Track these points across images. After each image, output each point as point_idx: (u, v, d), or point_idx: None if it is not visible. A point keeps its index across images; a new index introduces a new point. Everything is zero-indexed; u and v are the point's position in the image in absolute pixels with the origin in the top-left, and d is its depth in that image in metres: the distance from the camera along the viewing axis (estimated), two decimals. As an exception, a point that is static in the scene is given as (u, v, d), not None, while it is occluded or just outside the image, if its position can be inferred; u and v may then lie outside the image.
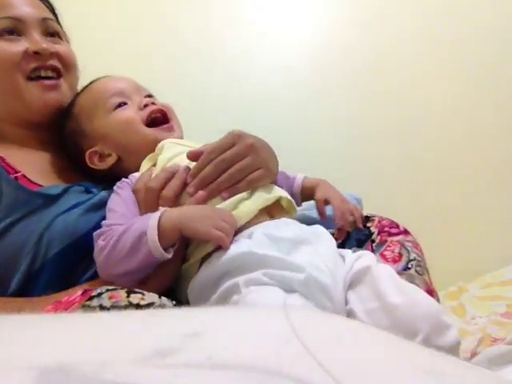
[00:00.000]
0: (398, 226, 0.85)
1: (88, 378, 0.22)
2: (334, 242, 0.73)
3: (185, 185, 0.74)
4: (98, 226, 0.78)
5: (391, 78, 1.73)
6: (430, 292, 0.76)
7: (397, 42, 1.74)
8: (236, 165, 0.74)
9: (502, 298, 1.25)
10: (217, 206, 0.71)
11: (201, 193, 0.72)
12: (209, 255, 0.69)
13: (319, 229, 0.75)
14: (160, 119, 0.86)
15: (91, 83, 0.91)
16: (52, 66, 0.89)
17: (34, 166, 0.87)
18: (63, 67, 0.91)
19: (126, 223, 0.69)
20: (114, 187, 0.80)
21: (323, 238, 0.72)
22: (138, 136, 0.83)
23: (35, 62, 0.87)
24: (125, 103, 0.86)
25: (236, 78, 1.74)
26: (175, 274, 0.72)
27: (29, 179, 0.83)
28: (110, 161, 0.85)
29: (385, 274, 0.65)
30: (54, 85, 0.89)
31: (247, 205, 0.72)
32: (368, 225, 0.85)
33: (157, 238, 0.64)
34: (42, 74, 0.88)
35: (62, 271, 0.75)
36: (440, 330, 0.57)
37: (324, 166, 1.70)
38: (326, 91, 1.73)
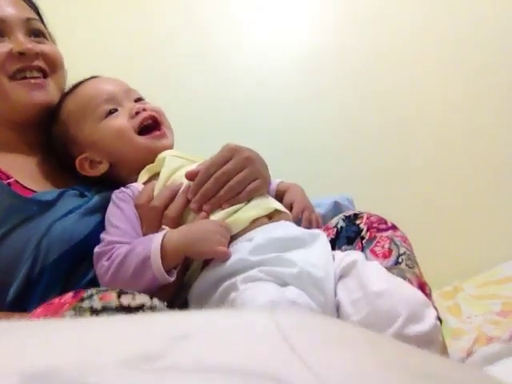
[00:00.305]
0: (386, 222, 0.85)
1: (72, 383, 0.22)
2: (328, 244, 0.76)
3: (187, 202, 0.75)
4: (94, 230, 0.79)
5: (389, 78, 1.73)
6: (422, 284, 0.77)
7: (394, 42, 1.74)
8: (235, 177, 0.76)
9: (498, 296, 1.25)
10: (215, 215, 0.74)
11: (205, 208, 0.74)
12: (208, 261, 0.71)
13: (316, 231, 0.77)
14: (152, 125, 0.85)
15: (79, 84, 0.90)
16: (37, 67, 0.87)
17: (25, 171, 0.86)
18: (49, 67, 0.90)
19: (129, 242, 0.71)
20: (113, 196, 0.80)
21: (319, 239, 0.75)
22: (131, 145, 0.83)
23: (20, 63, 0.86)
24: (115, 110, 0.84)
25: (232, 78, 1.73)
26: (176, 289, 0.73)
27: (22, 185, 0.82)
28: (102, 168, 0.85)
29: (371, 267, 0.69)
30: (41, 84, 0.87)
31: (244, 213, 0.74)
32: (357, 222, 0.86)
33: (160, 262, 0.66)
34: (28, 74, 0.87)
35: (61, 276, 0.76)
36: (418, 316, 0.58)
37: (321, 166, 1.71)
38: (323, 91, 1.73)
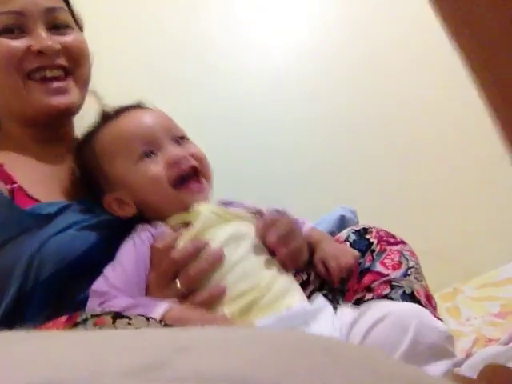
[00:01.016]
0: (395, 237, 0.87)
1: (75, 394, 0.22)
2: (331, 318, 0.74)
3: (213, 267, 0.70)
4: (93, 247, 0.75)
5: (385, 77, 1.73)
6: (429, 297, 0.79)
7: (390, 41, 1.74)
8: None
9: (496, 298, 1.26)
10: (228, 308, 0.68)
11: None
12: None
13: (319, 305, 0.76)
14: (190, 174, 0.79)
15: (120, 113, 0.84)
16: (58, 65, 0.82)
17: (32, 176, 0.82)
18: (72, 62, 0.85)
19: (126, 293, 0.68)
20: (136, 231, 0.76)
21: (320, 316, 0.73)
22: (163, 197, 0.78)
23: (38, 62, 0.81)
24: (153, 153, 0.78)
25: (228, 77, 1.73)
26: None
27: (25, 192, 0.78)
28: (130, 211, 0.80)
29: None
30: (62, 88, 0.82)
31: (260, 310, 0.68)
32: (367, 236, 0.87)
33: None
34: (48, 74, 0.82)
35: (55, 294, 0.73)
36: (429, 326, 0.59)
37: (316, 165, 1.71)
38: (319, 90, 1.74)
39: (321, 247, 0.83)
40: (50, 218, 0.75)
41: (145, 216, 0.81)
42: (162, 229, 0.76)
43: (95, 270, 0.74)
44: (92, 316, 0.53)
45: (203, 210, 0.76)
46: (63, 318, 0.55)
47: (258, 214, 0.83)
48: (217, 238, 0.74)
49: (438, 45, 1.71)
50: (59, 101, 0.82)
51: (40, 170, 0.85)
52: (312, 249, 0.83)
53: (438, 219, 1.65)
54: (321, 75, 1.74)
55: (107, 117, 0.85)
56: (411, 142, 1.71)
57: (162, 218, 0.79)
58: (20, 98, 0.82)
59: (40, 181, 0.83)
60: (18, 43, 0.80)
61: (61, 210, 0.77)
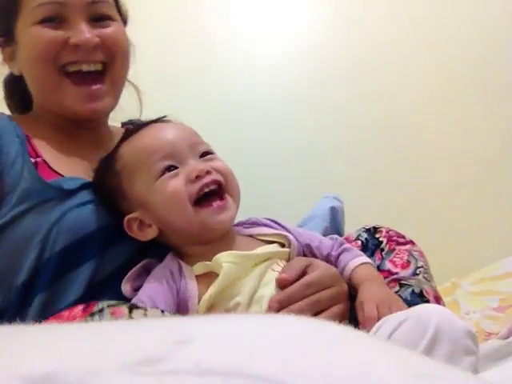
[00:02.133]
0: (404, 237, 0.87)
1: (74, 387, 0.22)
2: None
3: None
4: (110, 224, 0.76)
5: (380, 76, 1.73)
6: (437, 298, 0.79)
7: (384, 40, 1.74)
8: (323, 292, 0.69)
9: (495, 292, 1.26)
10: None
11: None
12: None
13: None
14: (214, 191, 0.72)
15: (141, 129, 0.79)
16: (95, 61, 0.81)
17: (60, 154, 0.82)
18: (109, 56, 0.83)
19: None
20: (166, 266, 0.73)
21: None
22: (183, 216, 0.71)
23: (75, 56, 0.79)
24: (175, 167, 0.72)
25: (226, 76, 1.73)
26: None
27: (49, 166, 0.79)
28: (151, 233, 0.74)
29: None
30: (97, 94, 0.81)
31: None
32: (376, 236, 0.87)
33: None
34: (84, 68, 0.81)
35: (69, 267, 0.73)
36: (449, 323, 0.58)
37: (313, 162, 1.72)
38: (315, 89, 1.73)
39: (360, 290, 0.73)
40: (71, 192, 0.76)
41: (168, 241, 0.76)
42: (189, 289, 0.69)
43: (108, 248, 0.75)
44: (109, 306, 0.53)
45: (223, 264, 0.69)
46: (80, 307, 0.55)
47: (284, 238, 0.77)
48: (243, 293, 0.68)
49: (430, 44, 1.73)
50: (93, 108, 0.81)
51: (65, 148, 0.84)
52: (353, 289, 0.76)
53: (436, 214, 1.65)
54: (316, 74, 1.74)
55: (129, 133, 0.81)
56: (410, 139, 1.71)
57: (186, 242, 0.74)
58: (54, 95, 0.81)
59: (64, 157, 0.83)
60: (57, 34, 0.79)
61: (83, 186, 0.77)
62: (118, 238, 0.76)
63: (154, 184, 0.72)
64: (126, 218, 0.74)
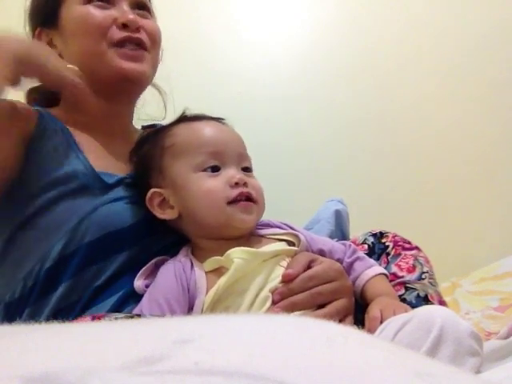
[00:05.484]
0: (410, 243, 0.88)
1: (73, 387, 0.22)
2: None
3: None
4: (141, 221, 0.78)
5: (378, 76, 1.74)
6: (442, 303, 0.80)
7: (383, 40, 1.75)
8: (326, 285, 0.70)
9: (495, 292, 1.26)
10: None
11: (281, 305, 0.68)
12: None
13: None
14: (243, 200, 0.76)
15: (203, 119, 0.83)
16: (138, 39, 0.86)
17: (95, 148, 0.85)
18: (150, 42, 0.89)
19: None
20: (176, 262, 0.74)
21: None
22: (211, 212, 0.74)
23: (122, 34, 0.84)
24: (218, 169, 0.76)
25: (225, 76, 1.73)
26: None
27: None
28: (169, 214, 0.77)
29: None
30: (137, 55, 0.86)
31: None
32: (383, 240, 0.88)
33: None
34: (128, 47, 0.85)
35: (95, 261, 0.74)
36: (453, 324, 0.58)
37: (311, 163, 1.72)
38: (313, 89, 1.74)
39: (372, 307, 0.73)
40: (110, 187, 0.79)
41: (184, 228, 0.79)
42: (197, 277, 0.71)
43: (136, 245, 0.77)
44: (116, 319, 0.53)
45: (234, 259, 0.71)
46: (88, 318, 0.56)
47: (294, 237, 0.79)
48: (250, 289, 0.70)
49: (430, 43, 1.73)
50: (132, 67, 0.85)
51: (101, 142, 0.87)
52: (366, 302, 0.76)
53: (437, 213, 1.65)
54: (314, 74, 1.74)
55: (187, 118, 0.84)
56: (409, 139, 1.71)
57: (203, 234, 0.77)
58: (99, 62, 0.85)
59: (99, 152, 0.85)
60: (106, 14, 0.85)
61: (118, 183, 0.80)
62: (147, 235, 0.79)
63: (193, 173, 0.76)
64: (151, 190, 0.77)
